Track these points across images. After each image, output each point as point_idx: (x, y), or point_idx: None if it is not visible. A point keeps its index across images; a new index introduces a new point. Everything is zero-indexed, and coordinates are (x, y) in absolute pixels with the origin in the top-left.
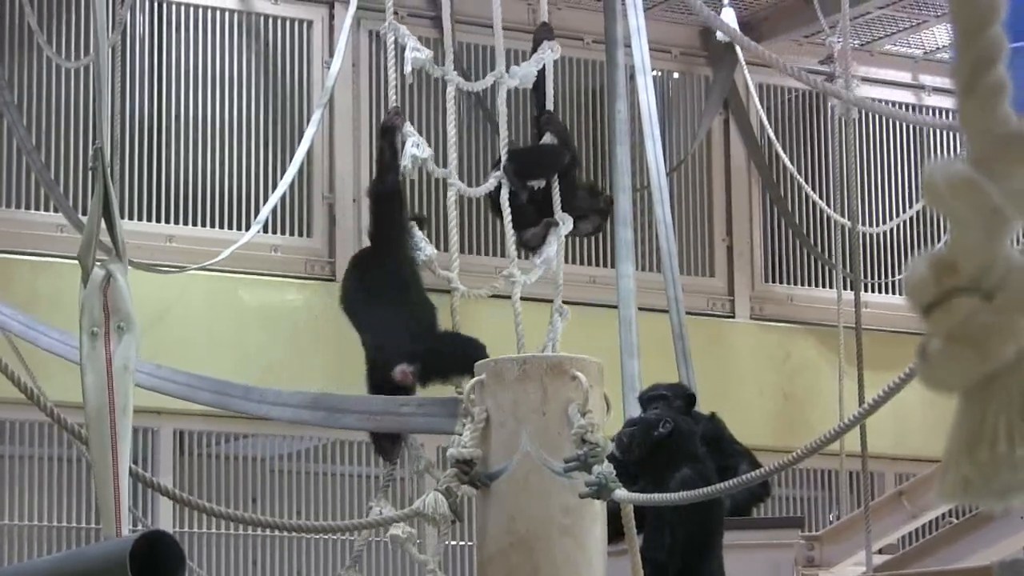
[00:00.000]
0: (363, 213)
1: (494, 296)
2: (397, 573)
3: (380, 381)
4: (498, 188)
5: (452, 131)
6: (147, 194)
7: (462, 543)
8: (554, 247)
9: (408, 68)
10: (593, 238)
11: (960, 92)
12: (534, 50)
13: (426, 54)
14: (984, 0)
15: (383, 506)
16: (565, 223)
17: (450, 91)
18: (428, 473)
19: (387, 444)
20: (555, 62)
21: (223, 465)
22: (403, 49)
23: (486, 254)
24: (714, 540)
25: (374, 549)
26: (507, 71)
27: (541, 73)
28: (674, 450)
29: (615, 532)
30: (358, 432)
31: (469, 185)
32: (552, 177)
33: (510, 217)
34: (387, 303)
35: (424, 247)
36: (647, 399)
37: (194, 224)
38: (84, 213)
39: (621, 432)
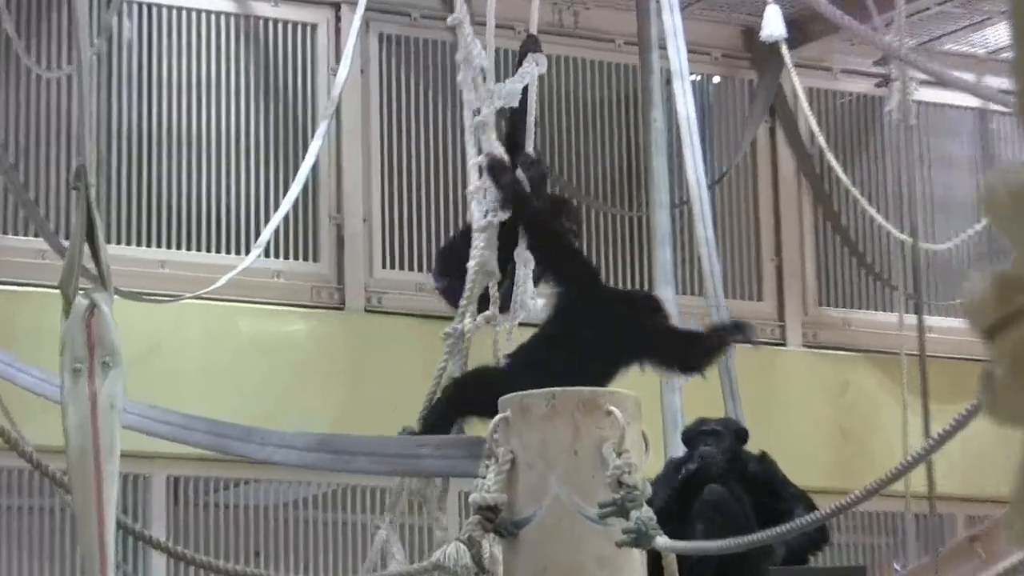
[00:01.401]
0: (373, 234)
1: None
2: None
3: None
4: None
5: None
6: (135, 216)
7: None
8: (527, 289)
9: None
10: (629, 258)
11: (1021, 93)
12: (519, 64)
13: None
14: None
15: (392, 539)
16: (528, 263)
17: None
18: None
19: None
20: (585, 66)
21: (222, 515)
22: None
23: None
24: None
25: None
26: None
27: (525, 94)
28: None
29: None
30: (371, 477)
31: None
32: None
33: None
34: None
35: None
36: (693, 436)
37: (188, 248)
38: (66, 237)
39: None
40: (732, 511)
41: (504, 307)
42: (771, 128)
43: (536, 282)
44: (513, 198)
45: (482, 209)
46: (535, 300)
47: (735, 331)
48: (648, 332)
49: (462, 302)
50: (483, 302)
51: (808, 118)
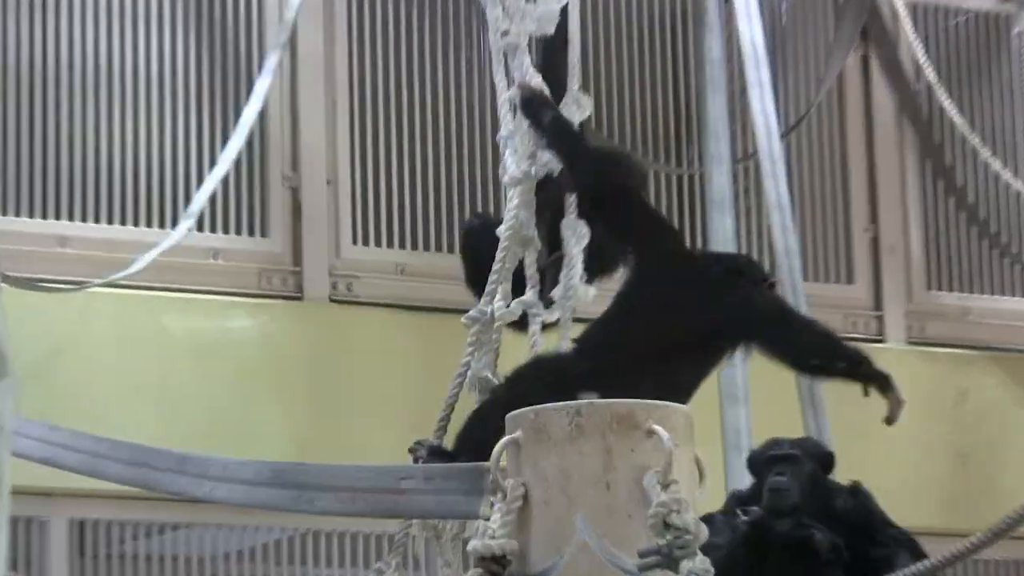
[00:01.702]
0: (340, 200)
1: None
2: None
3: None
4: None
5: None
6: (28, 180)
7: None
8: (576, 270)
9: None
10: (678, 227)
11: None
12: None
13: None
14: None
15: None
16: (579, 236)
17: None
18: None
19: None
20: None
21: (142, 570)
22: None
23: None
24: None
25: None
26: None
27: (564, 16)
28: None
29: None
30: (341, 519)
31: None
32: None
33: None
34: None
35: None
36: (767, 460)
37: (97, 221)
38: None
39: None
40: (816, 554)
41: (544, 294)
42: (863, 58)
43: (591, 266)
44: (559, 141)
45: (516, 158)
46: (587, 287)
47: (879, 376)
48: (762, 311)
49: (491, 277)
50: (518, 287)
51: (912, 44)
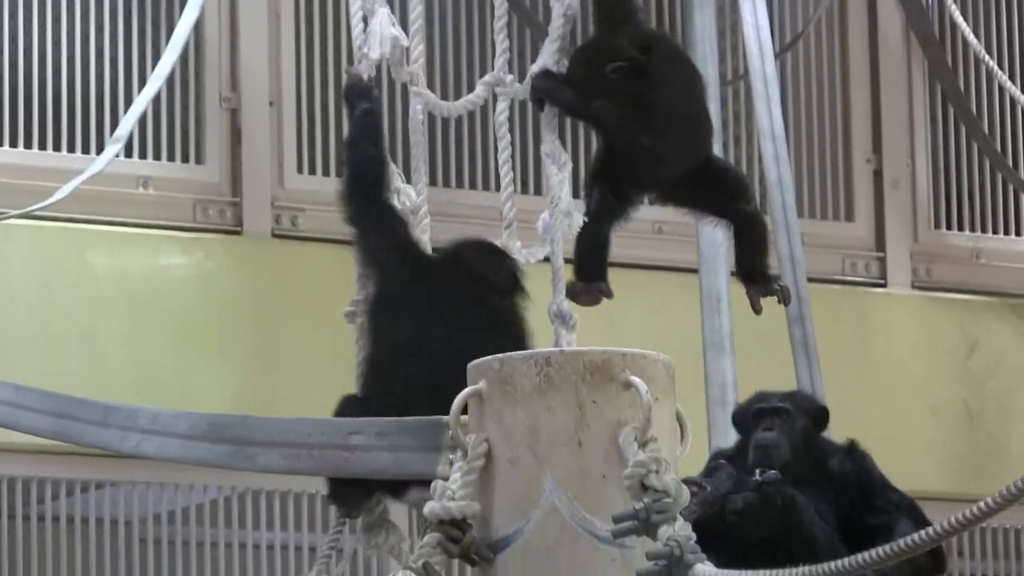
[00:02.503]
0: (285, 123)
1: None
2: None
3: None
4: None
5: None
6: None
7: None
8: (564, 192)
9: None
10: None
11: None
12: None
13: None
14: None
15: None
16: (560, 163)
17: None
18: (394, 551)
19: (347, 489)
20: None
21: (63, 533)
22: None
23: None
24: None
25: None
26: None
27: None
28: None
29: None
30: (284, 477)
31: (445, 98)
32: None
33: (508, 149)
34: None
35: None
36: (753, 414)
37: (12, 145)
38: None
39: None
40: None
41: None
42: None
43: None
44: (353, 133)
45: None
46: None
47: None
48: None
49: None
50: None
51: None
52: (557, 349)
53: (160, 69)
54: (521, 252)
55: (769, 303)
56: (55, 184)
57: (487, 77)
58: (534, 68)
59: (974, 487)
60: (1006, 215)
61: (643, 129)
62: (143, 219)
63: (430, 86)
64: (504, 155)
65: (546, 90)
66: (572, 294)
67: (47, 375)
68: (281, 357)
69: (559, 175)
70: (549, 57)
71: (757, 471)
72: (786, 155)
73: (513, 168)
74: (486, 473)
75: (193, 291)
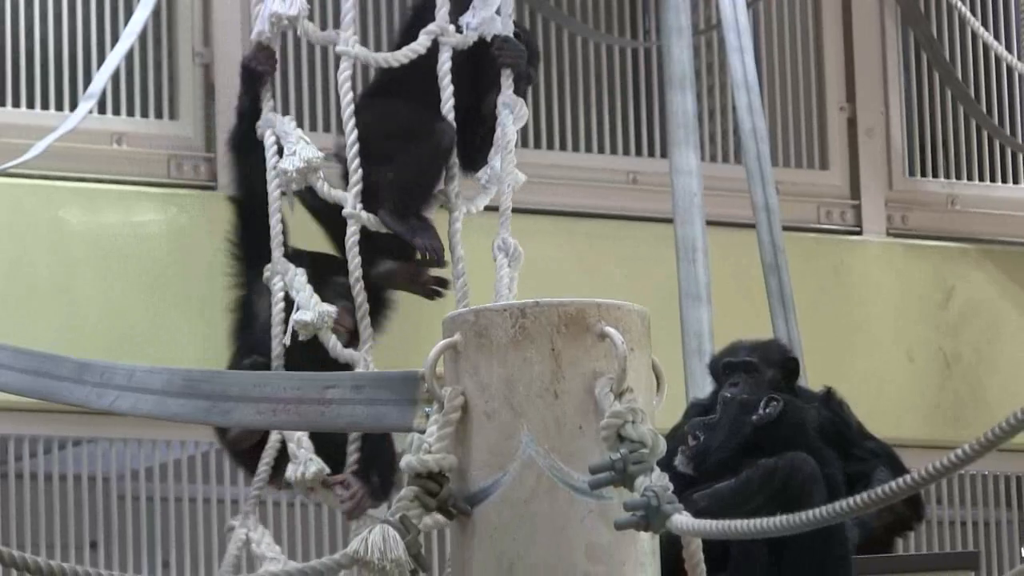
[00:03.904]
0: None
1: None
2: None
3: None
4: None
5: None
6: None
7: None
8: (512, 152)
9: None
10: (632, 107)
11: None
12: None
13: None
14: None
15: (253, 530)
16: (518, 115)
17: None
18: (310, 493)
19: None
20: None
21: (40, 490)
22: None
23: None
24: None
25: None
26: None
27: None
28: (778, 448)
29: None
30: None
31: (376, 49)
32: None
33: (452, 104)
34: None
35: (296, 150)
36: (723, 368)
37: None
38: None
39: (691, 425)
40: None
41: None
42: None
43: None
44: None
45: None
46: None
47: None
48: None
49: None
50: None
51: None
52: (532, 301)
53: (132, 25)
54: (463, 203)
55: (745, 253)
56: (29, 141)
57: (430, 27)
58: (469, 19)
59: (951, 434)
60: (980, 162)
61: None
62: (117, 175)
63: (364, 41)
64: (447, 106)
65: (513, 57)
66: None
67: (21, 331)
68: None
69: (514, 126)
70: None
71: (759, 408)
72: (760, 105)
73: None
74: (462, 426)
75: (167, 246)
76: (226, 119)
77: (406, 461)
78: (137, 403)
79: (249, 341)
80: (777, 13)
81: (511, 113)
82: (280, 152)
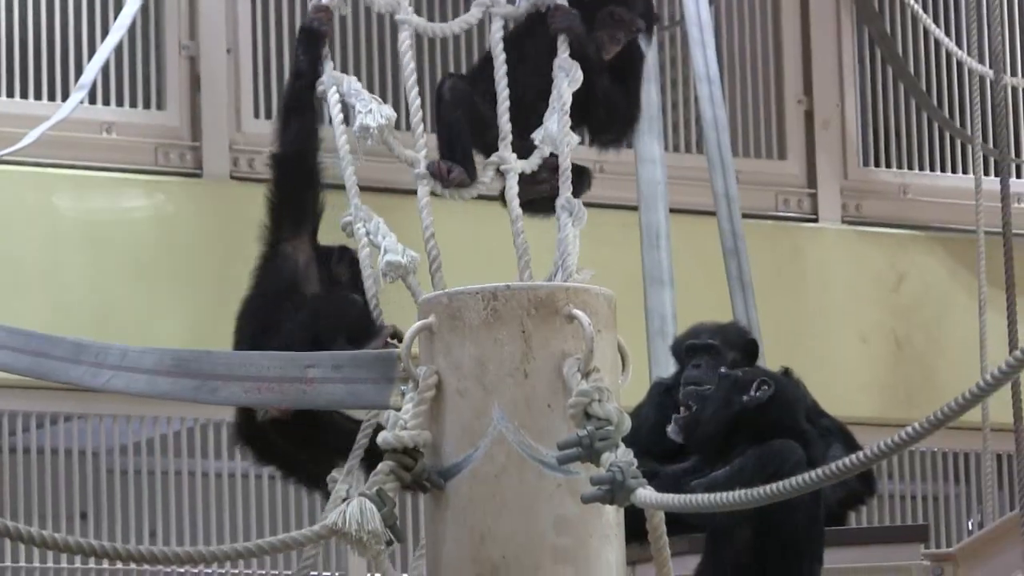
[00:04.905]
0: (242, 70)
1: (481, 198)
2: None
3: None
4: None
5: None
6: None
7: None
8: (566, 115)
9: None
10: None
11: None
12: None
13: None
14: None
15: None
16: (573, 78)
17: None
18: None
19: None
20: None
21: (33, 464)
22: None
23: None
24: (804, 564)
25: None
26: None
27: None
28: (766, 429)
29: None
30: None
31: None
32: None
33: (505, 71)
34: None
35: (372, 108)
36: (685, 349)
37: None
38: None
39: (685, 394)
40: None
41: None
42: None
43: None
44: (290, 84)
45: None
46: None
47: None
48: None
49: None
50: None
51: None
52: (504, 284)
53: (122, 19)
54: (516, 163)
55: (707, 239)
56: (22, 130)
57: None
58: None
59: (903, 412)
60: (932, 153)
61: None
62: (106, 163)
63: (419, 10)
64: (500, 72)
65: (567, 22)
66: (435, 171)
67: (12, 312)
68: (239, 295)
69: (570, 89)
70: None
71: (751, 389)
72: (721, 97)
73: (509, 86)
74: (436, 404)
75: (154, 232)
76: (211, 109)
77: (382, 437)
78: (130, 382)
79: (278, 287)
80: (738, 9)
81: (567, 76)
82: (344, 110)
